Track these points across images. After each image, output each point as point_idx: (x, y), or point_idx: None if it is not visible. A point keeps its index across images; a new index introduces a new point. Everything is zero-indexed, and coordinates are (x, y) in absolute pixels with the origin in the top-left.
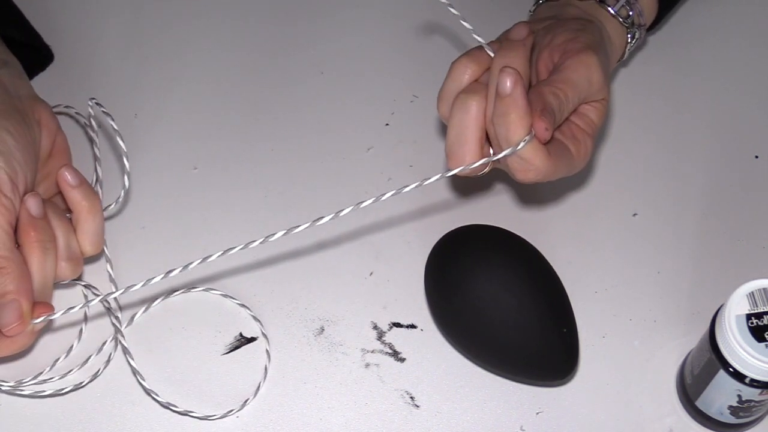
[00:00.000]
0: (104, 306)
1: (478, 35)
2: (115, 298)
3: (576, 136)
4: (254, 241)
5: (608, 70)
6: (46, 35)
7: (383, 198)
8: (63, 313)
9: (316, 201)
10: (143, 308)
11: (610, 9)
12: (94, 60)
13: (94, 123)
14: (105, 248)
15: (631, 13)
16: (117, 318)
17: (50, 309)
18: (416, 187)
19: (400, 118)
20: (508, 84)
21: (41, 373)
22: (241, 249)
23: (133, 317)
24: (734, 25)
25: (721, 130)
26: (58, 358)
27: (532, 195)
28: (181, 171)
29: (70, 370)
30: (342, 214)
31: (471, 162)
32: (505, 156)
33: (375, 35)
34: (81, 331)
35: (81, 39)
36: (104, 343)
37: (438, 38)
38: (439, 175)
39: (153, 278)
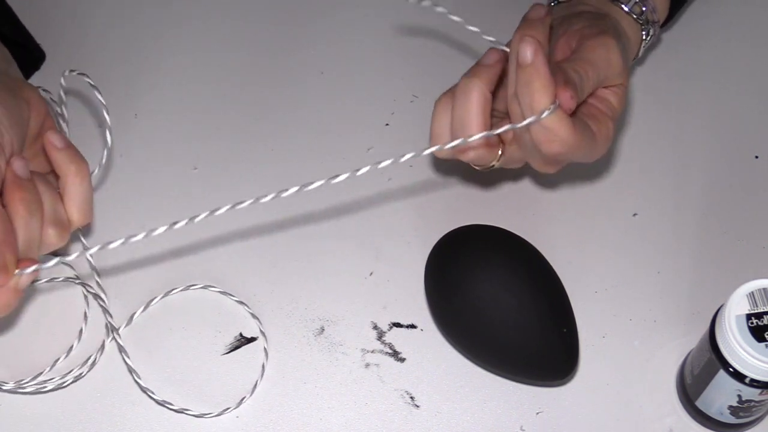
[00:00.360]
0: (101, 305)
1: (487, 35)
2: (104, 294)
3: (597, 117)
4: (266, 195)
5: (627, 57)
6: (44, 34)
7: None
8: (48, 266)
9: (316, 201)
10: (142, 307)
11: (623, 6)
12: (94, 61)
13: (63, 94)
14: (80, 235)
15: (644, 9)
16: (110, 313)
17: (35, 263)
18: (434, 149)
19: (400, 118)
20: (529, 53)
21: (41, 373)
22: (227, 209)
23: (132, 316)
24: (735, 25)
25: (721, 130)
26: (58, 358)
27: (532, 195)
28: (181, 171)
29: (71, 371)
30: (335, 181)
31: (477, 142)
32: (529, 124)
33: (375, 35)
34: (81, 331)
35: (81, 39)
36: (104, 342)
37: (438, 38)
38: (446, 145)
39: (134, 236)
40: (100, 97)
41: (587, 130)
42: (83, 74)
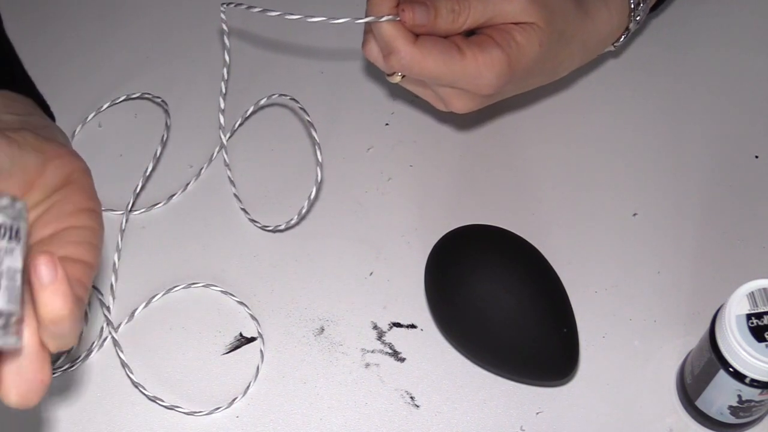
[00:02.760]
0: (98, 299)
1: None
2: (111, 291)
3: (483, 44)
4: None
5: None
6: (45, 31)
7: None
8: None
9: (315, 200)
10: (144, 303)
11: None
12: (96, 60)
13: (226, 34)
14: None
15: None
16: (108, 308)
17: None
18: (345, 20)
19: (400, 118)
20: None
21: None
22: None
23: (134, 312)
24: (734, 24)
25: (721, 130)
26: (60, 356)
27: (532, 195)
28: (181, 171)
29: (71, 366)
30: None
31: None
32: (367, 21)
33: None
34: (82, 330)
35: (83, 38)
36: (104, 339)
37: None
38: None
39: None
40: (316, 136)
41: (447, 52)
42: (298, 102)
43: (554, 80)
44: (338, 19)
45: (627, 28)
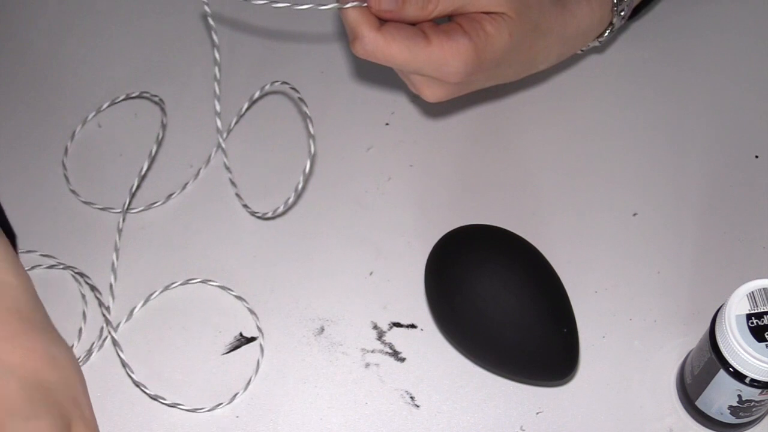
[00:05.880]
0: (97, 298)
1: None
2: (111, 290)
3: (451, 32)
4: None
5: None
6: (47, 32)
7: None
8: None
9: (315, 200)
10: (141, 302)
11: None
12: (94, 58)
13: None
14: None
15: None
16: (107, 308)
17: None
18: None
19: (400, 118)
20: None
21: None
22: None
23: (132, 311)
24: (734, 23)
25: (721, 130)
26: None
27: (532, 195)
28: (181, 171)
29: None
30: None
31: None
32: (331, 8)
33: None
34: (81, 330)
35: (84, 37)
36: (104, 339)
37: None
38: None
39: None
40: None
41: (413, 39)
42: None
43: (532, 73)
44: (326, 5)
45: (611, 23)
